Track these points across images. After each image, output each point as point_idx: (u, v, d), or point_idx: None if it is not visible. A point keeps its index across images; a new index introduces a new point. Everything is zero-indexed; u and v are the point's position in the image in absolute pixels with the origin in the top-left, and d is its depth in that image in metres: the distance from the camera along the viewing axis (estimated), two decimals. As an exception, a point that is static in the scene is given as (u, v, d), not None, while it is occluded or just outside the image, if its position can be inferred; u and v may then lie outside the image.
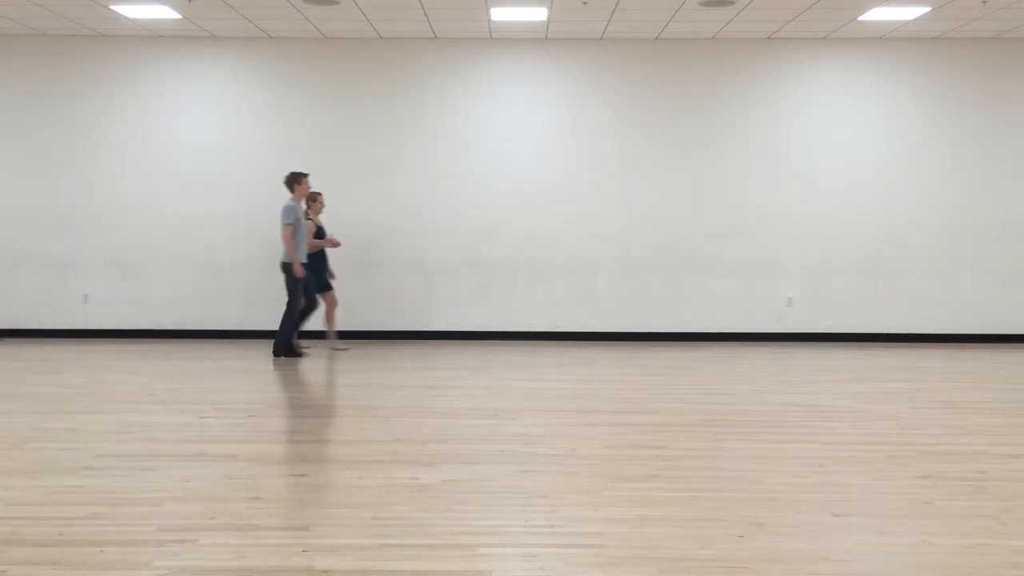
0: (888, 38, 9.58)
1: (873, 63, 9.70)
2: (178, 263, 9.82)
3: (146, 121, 9.75)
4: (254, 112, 9.77)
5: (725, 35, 9.42)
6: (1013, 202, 9.75)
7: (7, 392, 6.90)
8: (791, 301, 9.86)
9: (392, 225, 9.80)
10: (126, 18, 8.81)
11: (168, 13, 8.58)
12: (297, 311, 8.53)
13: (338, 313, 9.19)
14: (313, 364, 8.29)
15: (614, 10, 8.37)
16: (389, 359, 8.58)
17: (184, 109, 9.75)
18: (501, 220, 9.75)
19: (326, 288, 8.98)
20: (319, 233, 8.84)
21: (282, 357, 8.52)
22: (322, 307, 8.98)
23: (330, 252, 9.16)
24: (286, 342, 8.53)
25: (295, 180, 8.49)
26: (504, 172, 9.75)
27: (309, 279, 8.60)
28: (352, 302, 9.84)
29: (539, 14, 8.56)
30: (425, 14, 8.56)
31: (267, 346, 9.35)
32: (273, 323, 9.84)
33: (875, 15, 8.55)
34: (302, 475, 4.65)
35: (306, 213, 8.66)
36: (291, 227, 8.28)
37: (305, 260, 8.43)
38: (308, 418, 6.03)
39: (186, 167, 9.77)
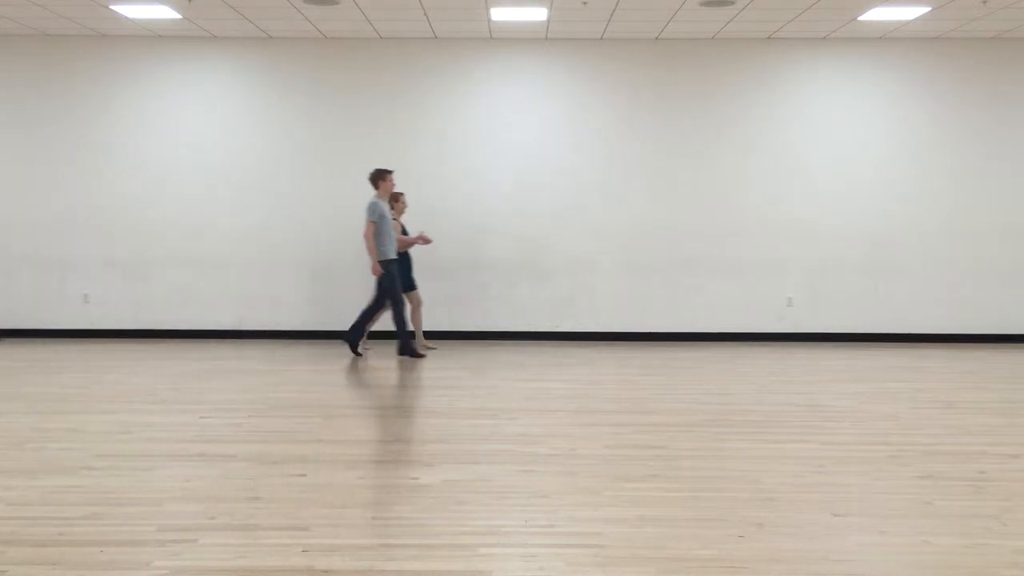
0: (888, 38, 9.58)
1: (873, 63, 9.70)
2: (178, 263, 9.82)
3: (146, 121, 9.75)
4: (254, 112, 9.77)
5: (725, 35, 9.42)
6: (1013, 202, 9.75)
7: (7, 392, 6.90)
8: (791, 301, 9.86)
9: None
10: (126, 18, 8.81)
11: (168, 13, 8.58)
12: (403, 308, 8.45)
13: (424, 312, 9.18)
14: (316, 365, 8.29)
15: (614, 10, 8.37)
16: (389, 359, 8.58)
17: (184, 109, 9.76)
18: (501, 220, 9.75)
19: (410, 288, 8.93)
20: (402, 232, 8.84)
21: (407, 357, 8.49)
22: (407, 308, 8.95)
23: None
24: (406, 340, 8.47)
25: (380, 177, 8.42)
26: (504, 172, 9.75)
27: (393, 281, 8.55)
28: (351, 302, 9.84)
29: (539, 14, 8.56)
30: (425, 14, 8.56)
31: (267, 346, 9.35)
32: (273, 323, 9.88)
33: (875, 15, 8.55)
34: (302, 475, 4.65)
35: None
36: (375, 224, 8.24)
37: (394, 256, 8.39)
38: (308, 418, 6.03)
39: (186, 167, 9.77)
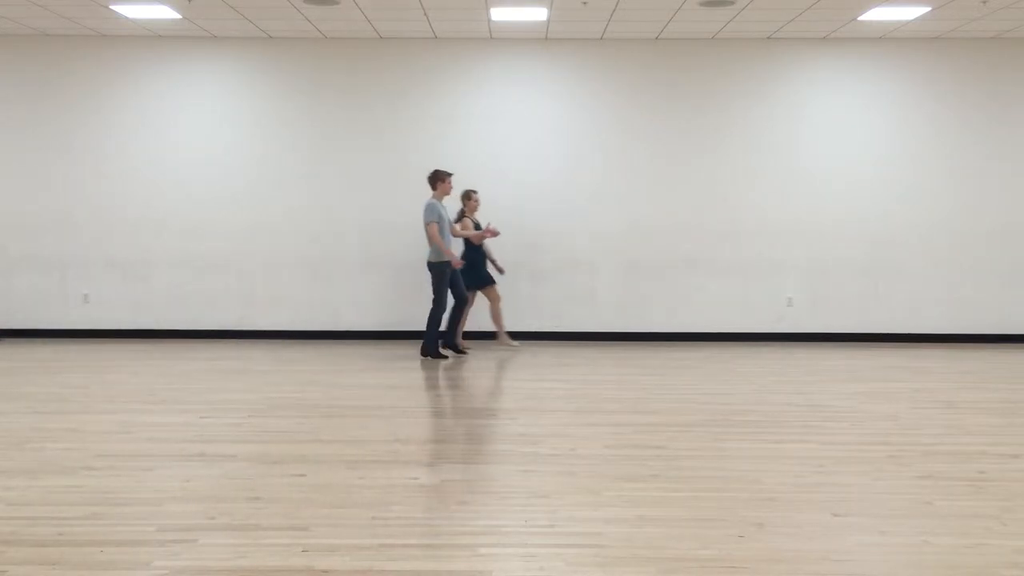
0: (888, 38, 9.58)
1: (873, 63, 9.70)
2: (178, 263, 9.82)
3: (146, 121, 9.75)
4: (254, 112, 9.77)
5: (725, 35, 9.42)
6: (1013, 202, 9.75)
7: (7, 392, 6.90)
8: (791, 301, 9.86)
9: (391, 225, 9.79)
10: (126, 18, 8.81)
11: (168, 13, 8.58)
12: (442, 311, 8.46)
13: (503, 308, 9.23)
14: (316, 365, 8.29)
15: (614, 10, 8.37)
16: (388, 359, 8.58)
17: (184, 109, 9.75)
18: (501, 220, 9.74)
19: (488, 283, 8.94)
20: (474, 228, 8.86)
21: (428, 358, 8.49)
22: (486, 304, 9.04)
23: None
24: (433, 342, 8.48)
25: (438, 178, 8.47)
26: (504, 172, 9.75)
27: (458, 276, 8.58)
28: (351, 302, 9.85)
29: (539, 14, 8.56)
30: (425, 14, 8.56)
31: (266, 346, 9.35)
32: (272, 323, 9.88)
33: (875, 15, 8.55)
34: (302, 475, 4.65)
35: (462, 211, 8.79)
36: (436, 224, 8.27)
37: (447, 258, 8.42)
38: (308, 418, 6.03)
39: (186, 167, 9.77)
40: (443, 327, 8.64)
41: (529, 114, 9.76)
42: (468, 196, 8.87)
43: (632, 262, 9.82)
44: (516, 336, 9.71)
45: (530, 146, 9.74)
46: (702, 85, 9.72)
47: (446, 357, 8.56)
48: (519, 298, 9.82)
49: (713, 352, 9.11)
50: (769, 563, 3.50)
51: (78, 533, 3.78)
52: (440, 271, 8.38)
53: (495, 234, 8.79)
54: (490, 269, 9.08)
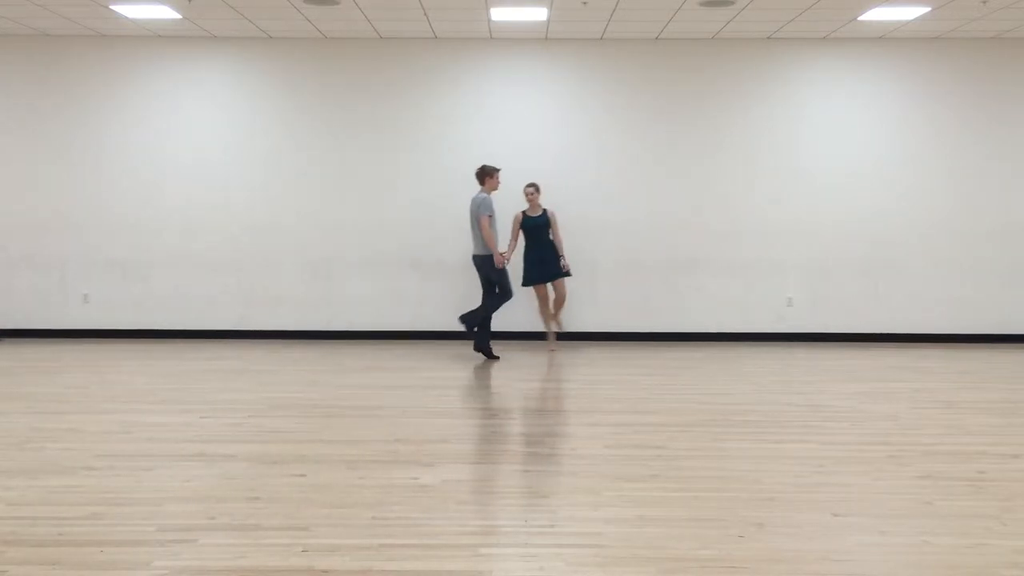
0: (888, 38, 9.58)
1: (873, 63, 9.70)
2: (178, 263, 9.82)
3: (146, 121, 9.74)
4: (254, 112, 9.77)
5: (725, 35, 9.42)
6: (1013, 202, 9.75)
7: (7, 392, 6.90)
8: (791, 301, 9.86)
9: (391, 225, 9.79)
10: (126, 18, 8.81)
11: (168, 13, 8.58)
12: (496, 307, 8.50)
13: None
14: (316, 365, 8.29)
15: (614, 10, 8.37)
16: (388, 359, 8.58)
17: (184, 109, 9.75)
18: (501, 220, 9.74)
19: (536, 281, 8.92)
20: (541, 222, 8.85)
21: (482, 355, 8.60)
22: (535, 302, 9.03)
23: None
24: (485, 340, 8.54)
25: (486, 173, 8.51)
26: (504, 171, 9.73)
27: (507, 272, 8.59)
28: (350, 302, 9.84)
29: (539, 14, 8.56)
30: (425, 14, 8.56)
31: (266, 346, 9.35)
32: (273, 323, 9.88)
33: (875, 15, 8.55)
34: (302, 475, 4.65)
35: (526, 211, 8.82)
36: (491, 218, 8.33)
37: (503, 250, 8.48)
38: (308, 418, 6.03)
39: (185, 167, 9.77)
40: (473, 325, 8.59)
41: (529, 114, 9.76)
42: (532, 189, 8.92)
43: (632, 262, 9.81)
44: (516, 336, 9.72)
45: (530, 146, 9.74)
46: (702, 85, 9.72)
47: (497, 358, 8.55)
48: (519, 298, 9.80)
49: (713, 352, 9.11)
50: (769, 563, 3.50)
51: (78, 533, 3.78)
52: (492, 263, 8.40)
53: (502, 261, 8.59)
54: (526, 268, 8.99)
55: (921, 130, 9.74)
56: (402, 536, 3.77)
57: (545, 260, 8.89)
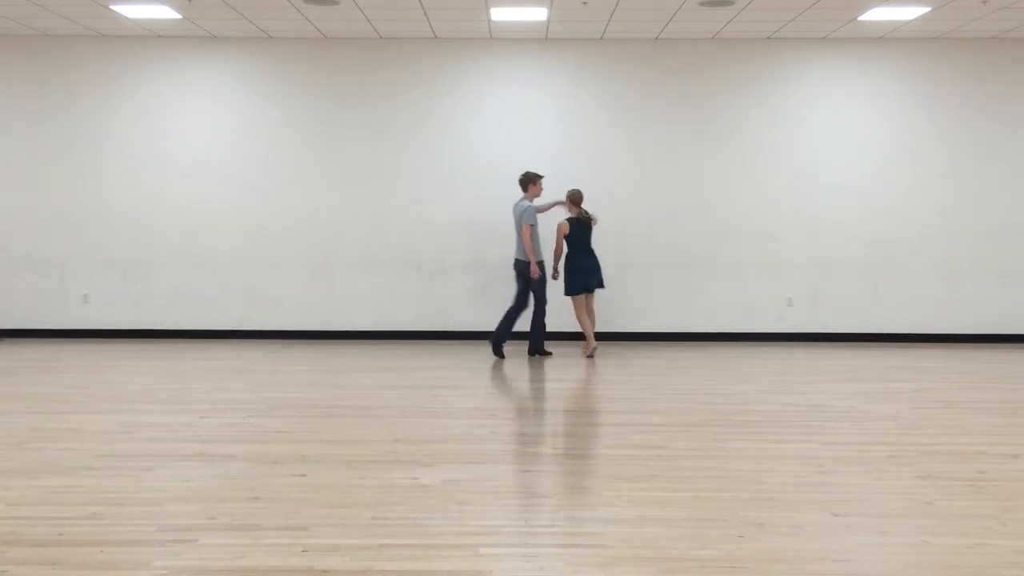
0: (888, 38, 9.58)
1: (873, 63, 9.70)
2: (178, 263, 9.82)
3: (146, 121, 9.74)
4: (254, 112, 9.77)
5: (725, 35, 9.42)
6: (1013, 202, 9.75)
7: (7, 392, 6.91)
8: (791, 301, 9.86)
9: (391, 225, 9.79)
10: (126, 18, 8.81)
11: (168, 13, 8.58)
12: (545, 310, 8.55)
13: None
14: (316, 365, 8.29)
15: (614, 10, 8.37)
16: (388, 359, 8.58)
17: (184, 109, 9.75)
18: (501, 220, 9.75)
19: (577, 291, 8.71)
20: (584, 229, 8.73)
21: (537, 356, 8.66)
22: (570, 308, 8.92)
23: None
24: (501, 340, 8.61)
25: (529, 180, 8.59)
26: (504, 171, 9.73)
27: (546, 281, 8.62)
28: (350, 302, 9.84)
29: (539, 14, 8.56)
30: (425, 14, 8.56)
31: (266, 346, 9.35)
32: (272, 323, 9.88)
33: (875, 15, 8.55)
34: (302, 475, 4.65)
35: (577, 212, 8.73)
36: (533, 228, 8.38)
37: (541, 258, 8.51)
38: (308, 418, 6.03)
39: (185, 167, 9.77)
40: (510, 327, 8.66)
41: (529, 114, 9.76)
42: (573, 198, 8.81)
43: (632, 262, 9.81)
44: (513, 336, 9.71)
45: (529, 146, 9.73)
46: (702, 85, 9.72)
47: (550, 353, 8.68)
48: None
49: (713, 352, 9.11)
50: (769, 563, 3.50)
51: (78, 533, 3.78)
52: (529, 271, 8.45)
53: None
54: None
55: (921, 130, 9.74)
56: (402, 536, 3.77)
57: (589, 271, 8.70)
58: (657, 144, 9.76)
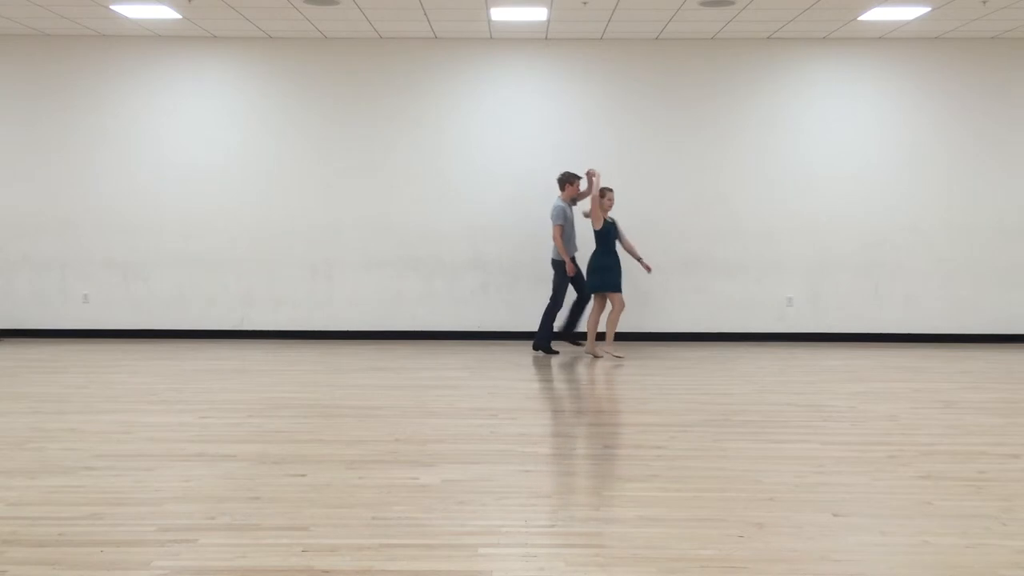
0: (888, 38, 9.58)
1: (873, 63, 9.70)
2: (178, 263, 9.82)
3: (146, 121, 9.74)
4: (254, 112, 9.77)
5: (725, 35, 9.42)
6: (1013, 202, 9.75)
7: (7, 392, 6.91)
8: (791, 301, 9.86)
9: (391, 224, 9.79)
10: (126, 18, 8.80)
11: (168, 13, 8.57)
12: (558, 308, 8.79)
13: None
14: (316, 365, 8.29)
15: (614, 10, 8.37)
16: (388, 359, 8.58)
17: (184, 109, 9.75)
18: (501, 219, 9.75)
19: (614, 289, 8.63)
20: (612, 229, 8.71)
21: (540, 352, 8.85)
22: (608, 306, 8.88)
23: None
24: (546, 338, 8.80)
25: (567, 180, 8.80)
26: (504, 171, 9.74)
27: (581, 275, 8.81)
28: (350, 302, 9.84)
29: (539, 14, 8.56)
30: (425, 14, 8.56)
31: (266, 346, 9.35)
32: (274, 323, 9.88)
33: (875, 15, 8.55)
34: (302, 475, 4.65)
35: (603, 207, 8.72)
36: (561, 227, 8.60)
37: (573, 253, 8.73)
38: (308, 418, 6.03)
39: (185, 167, 9.77)
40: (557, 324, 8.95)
41: (529, 114, 9.76)
42: (603, 194, 8.75)
43: (632, 262, 9.80)
44: (513, 336, 9.71)
45: (529, 146, 9.73)
46: (702, 85, 9.72)
47: (557, 352, 8.82)
48: (519, 298, 9.82)
49: (713, 352, 9.10)
50: (769, 563, 3.50)
51: (78, 533, 3.78)
52: (563, 269, 8.71)
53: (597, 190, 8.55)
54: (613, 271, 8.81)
55: (921, 130, 9.74)
56: (402, 536, 3.77)
57: (611, 268, 8.64)
58: (657, 144, 9.76)
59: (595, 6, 8.23)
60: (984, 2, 8.04)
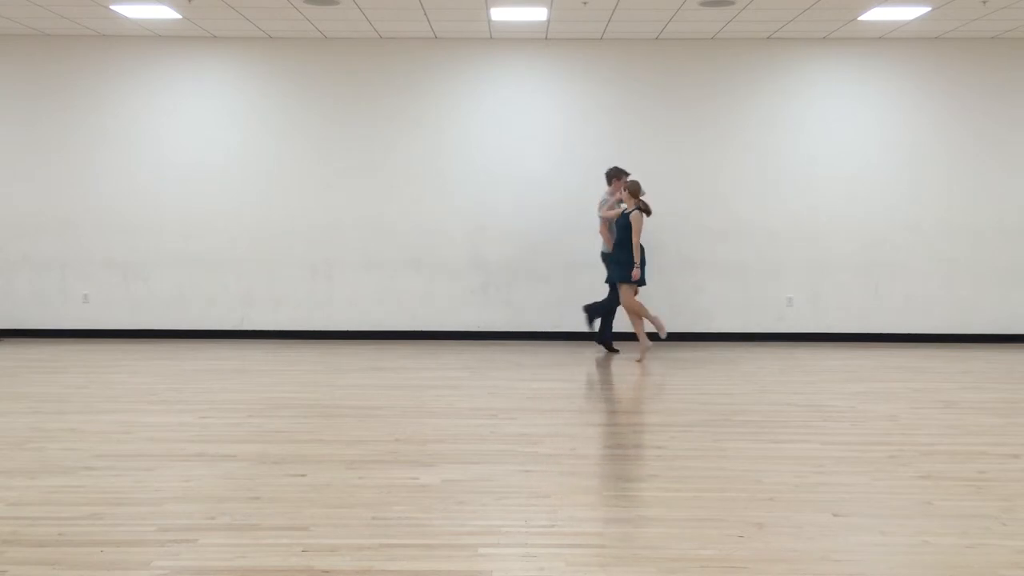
0: (888, 38, 9.58)
1: (873, 63, 9.70)
2: (178, 263, 9.82)
3: (146, 121, 9.74)
4: (254, 112, 9.77)
5: (725, 35, 9.42)
6: (1013, 202, 9.75)
7: (7, 392, 6.91)
8: (791, 301, 9.86)
9: (391, 225, 9.79)
10: (126, 18, 8.80)
11: (168, 13, 8.58)
12: (616, 303, 8.77)
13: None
14: (316, 365, 8.29)
15: (614, 10, 8.37)
16: (388, 359, 8.58)
17: (184, 109, 9.75)
18: (501, 219, 9.75)
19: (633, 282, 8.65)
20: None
21: (604, 351, 9.01)
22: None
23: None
24: (605, 333, 8.96)
25: (615, 175, 8.85)
26: (504, 172, 9.74)
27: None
28: (350, 302, 9.84)
29: (539, 14, 8.56)
30: (425, 14, 8.56)
31: (266, 346, 9.35)
32: (272, 323, 9.88)
33: (875, 15, 8.55)
34: (302, 475, 4.66)
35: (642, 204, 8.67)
36: (608, 221, 8.72)
37: (608, 250, 8.76)
38: (308, 418, 6.03)
39: (185, 167, 9.77)
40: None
41: (529, 114, 9.75)
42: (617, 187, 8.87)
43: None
44: (513, 336, 9.71)
45: (529, 146, 9.74)
46: (702, 85, 9.72)
47: (618, 351, 8.94)
48: (519, 298, 9.82)
49: (713, 352, 9.11)
50: (769, 563, 3.50)
51: (78, 533, 3.79)
52: (610, 263, 8.70)
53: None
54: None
55: (921, 130, 9.74)
56: (402, 536, 3.77)
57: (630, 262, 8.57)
58: (657, 144, 9.75)
59: (595, 6, 8.23)
60: (984, 2, 8.04)
